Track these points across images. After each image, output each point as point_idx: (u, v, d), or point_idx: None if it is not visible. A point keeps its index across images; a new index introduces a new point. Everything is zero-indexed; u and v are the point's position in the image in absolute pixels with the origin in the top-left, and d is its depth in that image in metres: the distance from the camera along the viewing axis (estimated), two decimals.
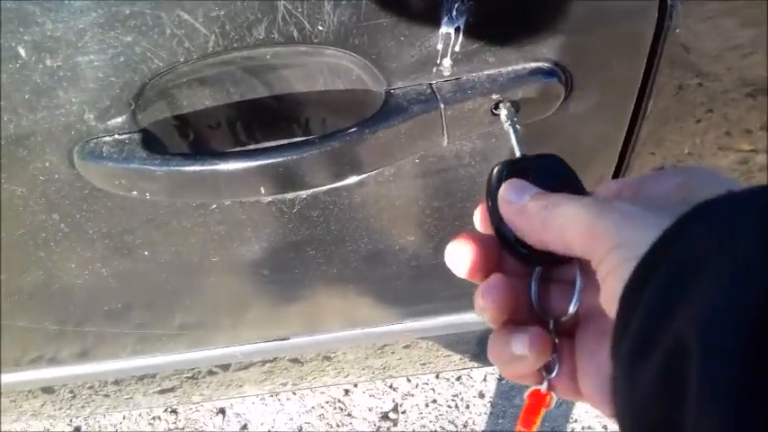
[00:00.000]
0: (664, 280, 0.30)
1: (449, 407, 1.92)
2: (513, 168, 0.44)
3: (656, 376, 0.29)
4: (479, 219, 0.45)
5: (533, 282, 0.43)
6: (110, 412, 1.99)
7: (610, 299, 0.34)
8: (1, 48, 0.50)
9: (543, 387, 0.43)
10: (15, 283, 0.75)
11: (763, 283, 0.26)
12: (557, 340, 0.42)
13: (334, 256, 0.77)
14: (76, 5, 0.49)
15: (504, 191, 0.42)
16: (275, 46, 0.53)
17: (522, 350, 0.40)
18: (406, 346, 1.34)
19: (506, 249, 0.43)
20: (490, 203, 0.43)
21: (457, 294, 0.92)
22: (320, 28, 0.52)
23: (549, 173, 0.44)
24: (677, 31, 0.56)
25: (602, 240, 0.35)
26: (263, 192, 0.59)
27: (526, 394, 0.44)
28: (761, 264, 0.27)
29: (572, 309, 0.41)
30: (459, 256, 0.44)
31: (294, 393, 1.95)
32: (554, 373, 0.42)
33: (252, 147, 0.62)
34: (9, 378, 1.06)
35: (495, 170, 0.45)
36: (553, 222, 0.38)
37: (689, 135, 0.68)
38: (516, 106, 0.57)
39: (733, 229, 0.29)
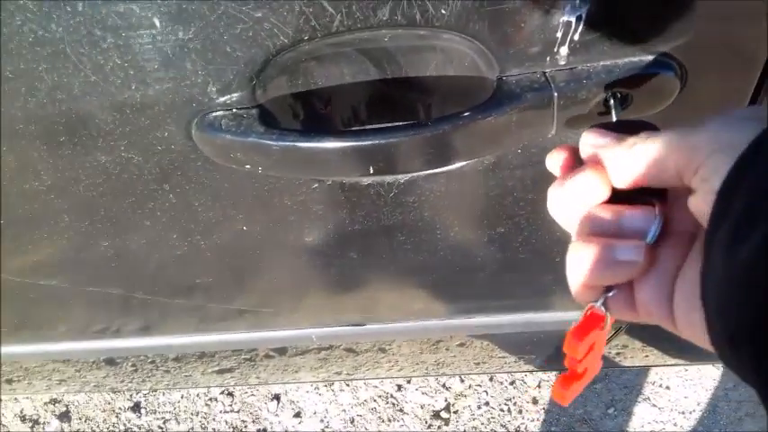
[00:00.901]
0: (763, 168, 0.31)
1: (501, 410, 1.91)
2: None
3: (756, 252, 0.30)
4: (559, 161, 0.48)
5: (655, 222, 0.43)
6: (169, 389, 2.04)
7: (706, 199, 0.35)
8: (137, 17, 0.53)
9: (598, 304, 0.44)
10: (115, 250, 0.79)
11: None
12: None
13: (423, 243, 0.78)
14: None
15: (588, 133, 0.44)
16: (397, 28, 0.55)
17: (629, 256, 0.41)
18: (461, 344, 1.34)
19: None
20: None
21: (534, 291, 0.92)
22: (443, 11, 0.53)
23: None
24: None
25: (699, 149, 0.36)
26: (371, 171, 0.60)
27: (584, 312, 0.46)
28: None
29: (650, 239, 0.42)
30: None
31: (347, 385, 1.97)
32: (612, 293, 0.44)
33: (364, 127, 0.63)
34: (75, 346, 1.10)
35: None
36: (646, 149, 0.40)
37: None
38: (630, 98, 0.57)
39: None
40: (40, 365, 1.40)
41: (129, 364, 1.44)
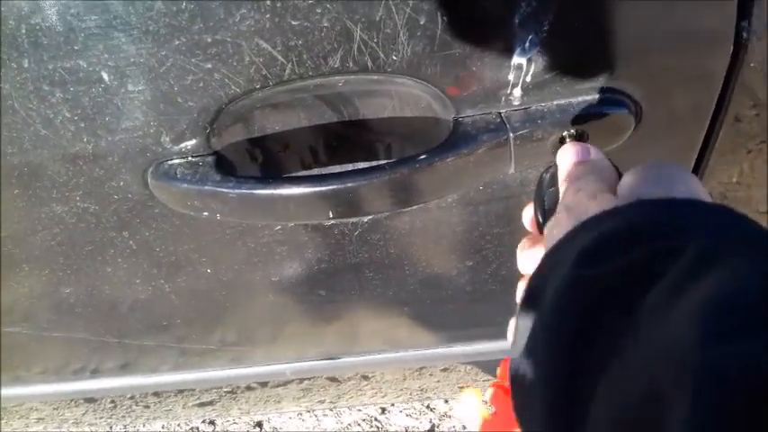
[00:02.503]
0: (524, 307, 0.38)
1: None
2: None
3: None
4: (528, 219, 0.52)
5: None
6: (149, 423, 2.01)
7: None
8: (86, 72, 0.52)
9: None
10: (78, 296, 0.77)
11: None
12: None
13: (392, 278, 0.77)
14: (161, 33, 0.51)
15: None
16: (349, 74, 0.54)
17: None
18: (445, 369, 1.34)
19: None
20: (538, 203, 0.49)
21: (507, 320, 0.92)
22: (394, 57, 0.53)
23: None
24: (752, 65, 0.55)
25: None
26: (331, 216, 0.59)
27: None
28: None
29: None
30: None
31: (331, 410, 1.95)
32: None
33: (322, 171, 0.63)
34: (53, 388, 1.08)
35: (548, 173, 0.51)
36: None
37: (737, 163, 0.68)
38: (585, 136, 0.57)
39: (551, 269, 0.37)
40: (17, 405, 1.38)
41: (108, 400, 1.42)
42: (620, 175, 0.46)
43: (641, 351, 0.26)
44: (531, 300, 0.36)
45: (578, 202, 0.42)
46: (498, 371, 0.53)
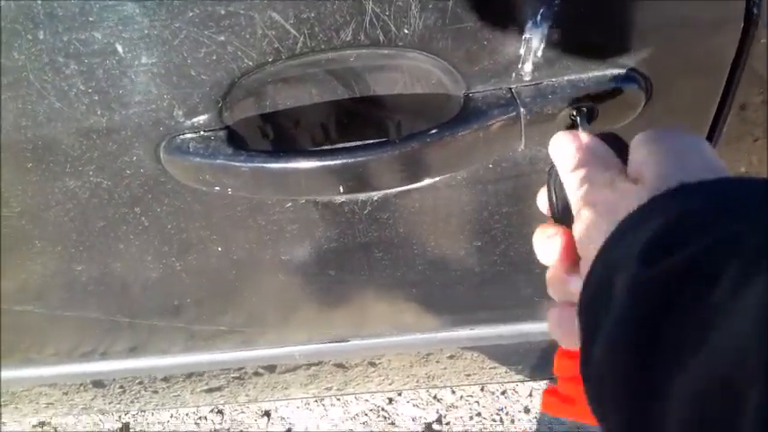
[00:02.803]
0: (586, 302, 0.38)
1: (493, 420, 1.91)
2: None
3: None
4: (543, 204, 0.51)
5: None
6: (158, 409, 2.03)
7: None
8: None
9: None
10: (90, 274, 0.78)
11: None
12: None
13: (401, 258, 0.78)
14: (175, 4, 0.51)
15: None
16: (360, 48, 0.55)
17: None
18: (451, 356, 1.34)
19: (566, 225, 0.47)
20: (553, 191, 0.48)
21: (516, 303, 0.92)
22: (405, 31, 0.54)
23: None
24: (762, 41, 0.55)
25: None
26: (341, 191, 0.60)
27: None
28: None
29: None
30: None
31: (338, 399, 1.96)
32: None
33: (333, 146, 0.63)
34: (62, 370, 1.09)
35: None
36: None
37: (745, 153, 0.67)
38: (595, 112, 0.57)
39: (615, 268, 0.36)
40: (26, 389, 1.39)
41: (117, 385, 1.43)
42: (622, 146, 0.46)
43: (711, 349, 0.27)
44: (594, 303, 0.36)
45: (598, 194, 0.41)
46: (555, 364, 0.53)
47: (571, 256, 0.45)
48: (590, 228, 0.40)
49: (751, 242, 0.29)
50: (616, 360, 0.32)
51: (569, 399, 0.54)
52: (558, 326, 0.46)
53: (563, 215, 0.47)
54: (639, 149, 0.42)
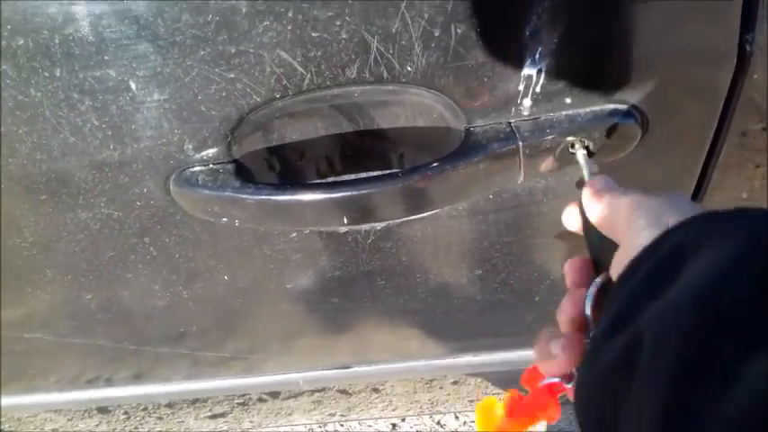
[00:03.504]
0: (642, 276, 0.34)
1: None
2: None
3: (614, 357, 0.33)
4: (569, 217, 0.50)
5: (588, 295, 0.45)
6: None
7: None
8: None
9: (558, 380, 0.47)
10: (99, 302, 0.79)
11: (708, 298, 0.29)
12: None
13: (403, 287, 0.79)
14: (187, 44, 0.53)
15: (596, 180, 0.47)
16: (365, 85, 0.57)
17: (556, 350, 0.44)
18: (455, 382, 1.34)
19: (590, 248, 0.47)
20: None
21: (517, 330, 0.93)
22: (408, 68, 0.56)
23: None
24: (755, 77, 0.57)
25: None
26: (345, 222, 0.61)
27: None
28: (709, 279, 0.30)
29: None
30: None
31: (342, 426, 1.96)
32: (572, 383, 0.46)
33: (338, 179, 0.65)
34: (66, 397, 1.10)
35: None
36: (611, 204, 0.44)
37: (747, 179, 0.69)
38: (593, 146, 0.59)
39: (701, 243, 0.33)
40: (32, 416, 1.40)
41: (122, 411, 1.43)
42: None
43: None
44: (673, 253, 0.34)
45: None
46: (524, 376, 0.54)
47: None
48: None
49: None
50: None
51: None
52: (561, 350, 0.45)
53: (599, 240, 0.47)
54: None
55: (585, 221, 0.47)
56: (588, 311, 0.44)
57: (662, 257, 0.34)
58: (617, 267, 0.39)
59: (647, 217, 0.39)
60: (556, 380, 0.47)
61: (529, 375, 0.53)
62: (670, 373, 0.28)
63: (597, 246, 0.46)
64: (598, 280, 0.44)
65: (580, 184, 0.51)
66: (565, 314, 0.45)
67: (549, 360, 0.44)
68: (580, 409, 0.36)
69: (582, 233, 0.48)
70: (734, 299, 0.28)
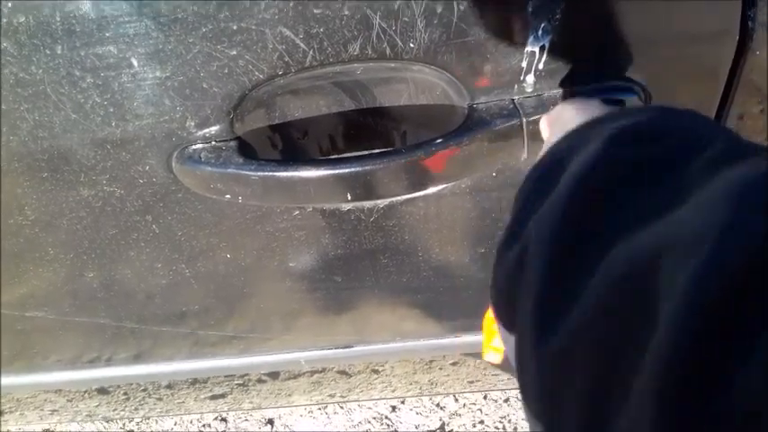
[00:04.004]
0: (529, 187, 0.38)
1: (496, 428, 1.91)
2: None
3: (510, 266, 0.36)
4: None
5: None
6: (162, 416, 2.04)
7: None
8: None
9: None
10: (101, 280, 0.80)
11: (564, 206, 0.32)
12: None
13: (406, 265, 0.79)
14: (189, 21, 0.53)
15: None
16: (368, 61, 0.57)
17: None
18: (454, 363, 1.35)
19: None
20: None
21: None
22: (411, 45, 0.55)
23: None
24: (757, 53, 0.57)
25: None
26: (349, 198, 0.61)
27: None
28: (565, 186, 0.33)
29: None
30: None
31: (341, 407, 1.97)
32: None
33: (341, 155, 0.65)
34: (67, 376, 1.10)
35: None
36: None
37: None
38: None
39: (577, 146, 0.36)
40: (31, 396, 1.40)
41: (121, 392, 1.44)
42: None
43: (661, 224, 0.27)
44: (542, 179, 0.37)
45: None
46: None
47: None
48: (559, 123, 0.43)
49: (719, 145, 0.30)
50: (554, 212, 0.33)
51: None
52: None
53: None
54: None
55: None
56: None
57: (543, 168, 0.38)
58: None
59: (559, 131, 0.42)
60: None
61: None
62: (541, 274, 0.32)
63: None
64: None
65: None
66: None
67: None
68: (494, 310, 0.40)
69: None
70: (584, 204, 0.32)
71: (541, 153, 0.42)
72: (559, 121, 0.45)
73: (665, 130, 0.33)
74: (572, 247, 0.31)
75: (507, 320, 0.37)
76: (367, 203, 0.69)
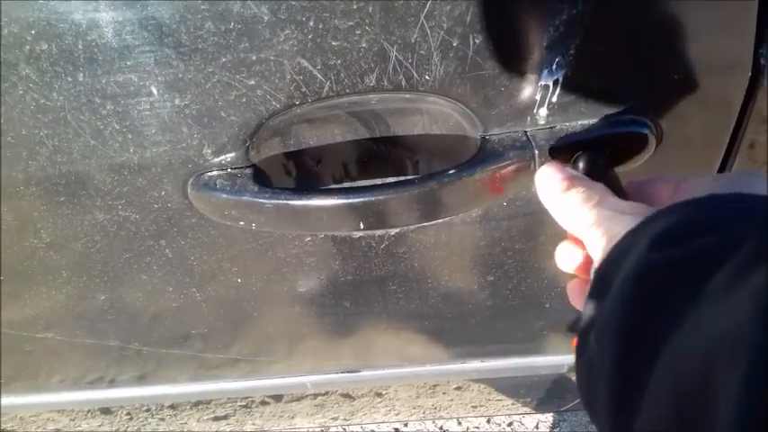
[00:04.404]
0: (594, 285, 0.40)
1: None
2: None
3: (586, 361, 0.38)
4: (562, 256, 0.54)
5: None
6: None
7: None
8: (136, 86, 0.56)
9: None
10: (112, 303, 0.80)
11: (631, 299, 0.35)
12: None
13: (415, 292, 0.79)
14: (209, 51, 0.54)
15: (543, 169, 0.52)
16: (383, 92, 0.57)
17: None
18: (458, 388, 1.35)
19: None
20: None
21: (526, 336, 0.93)
22: (427, 77, 0.56)
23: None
24: None
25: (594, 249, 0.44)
26: (362, 227, 0.62)
27: None
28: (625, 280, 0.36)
29: None
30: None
31: (344, 429, 1.96)
32: None
33: (354, 184, 0.66)
34: (70, 397, 1.10)
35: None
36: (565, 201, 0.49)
37: None
38: (608, 155, 0.59)
39: (627, 249, 0.38)
40: (34, 415, 1.40)
41: (125, 412, 1.43)
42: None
43: (701, 327, 0.29)
44: (601, 282, 0.39)
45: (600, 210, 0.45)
46: None
47: (589, 266, 0.49)
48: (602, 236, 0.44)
49: (752, 245, 0.31)
50: (607, 328, 0.35)
51: None
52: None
53: None
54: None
55: None
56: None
57: (602, 269, 0.40)
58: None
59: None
60: None
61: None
62: (611, 358, 0.34)
63: None
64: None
65: None
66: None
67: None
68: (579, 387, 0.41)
69: None
70: (634, 310, 0.34)
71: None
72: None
73: (702, 228, 0.35)
74: (628, 357, 0.33)
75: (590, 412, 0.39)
76: (378, 231, 0.70)
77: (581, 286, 0.51)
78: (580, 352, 0.40)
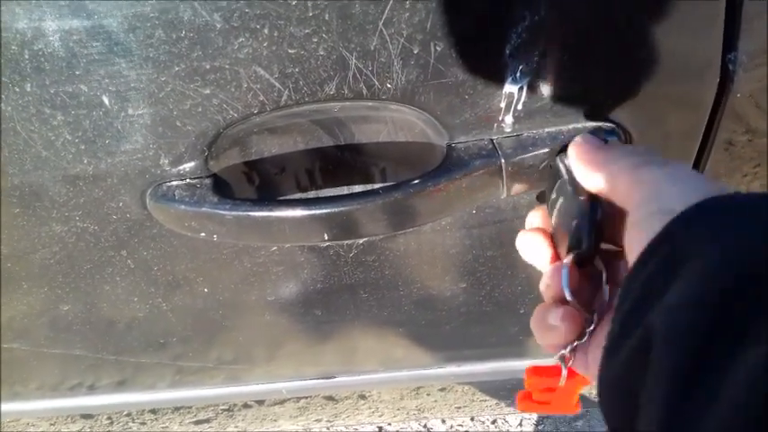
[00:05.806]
0: (653, 268, 0.35)
1: None
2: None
3: (629, 356, 0.33)
4: (536, 218, 0.54)
5: (563, 277, 0.46)
6: None
7: (630, 248, 0.39)
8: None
9: (555, 358, 0.48)
10: (76, 314, 0.78)
11: (720, 284, 0.30)
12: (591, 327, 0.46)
13: (387, 299, 0.78)
14: (161, 60, 0.52)
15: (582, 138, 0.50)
16: (344, 101, 0.56)
17: (555, 321, 0.46)
18: (442, 389, 1.34)
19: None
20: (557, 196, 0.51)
21: (502, 341, 0.92)
22: (388, 85, 0.55)
23: None
24: (738, 95, 0.57)
25: (638, 206, 0.40)
26: (326, 238, 0.60)
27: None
28: (723, 266, 0.31)
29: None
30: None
31: (328, 430, 1.95)
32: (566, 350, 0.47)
33: (318, 195, 0.64)
34: (48, 404, 1.09)
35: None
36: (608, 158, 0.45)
37: (735, 187, 0.68)
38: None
39: (716, 231, 0.33)
40: (13, 421, 1.38)
41: (105, 417, 1.42)
42: None
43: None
44: (673, 247, 0.34)
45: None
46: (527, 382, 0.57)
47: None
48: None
49: None
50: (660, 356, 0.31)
51: (544, 402, 0.58)
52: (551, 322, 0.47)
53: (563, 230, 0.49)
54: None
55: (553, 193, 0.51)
56: (567, 292, 0.46)
57: (661, 259, 0.35)
58: (629, 245, 0.40)
59: (650, 198, 0.39)
60: (565, 351, 0.47)
61: (527, 388, 0.55)
62: (670, 376, 0.30)
63: (561, 221, 0.50)
64: (566, 261, 0.47)
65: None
66: (551, 290, 0.47)
67: (550, 332, 0.46)
68: (603, 402, 0.37)
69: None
70: (724, 301, 0.30)
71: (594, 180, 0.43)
72: (644, 180, 0.42)
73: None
74: (708, 347, 0.29)
75: (620, 411, 0.35)
76: (346, 240, 0.68)
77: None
78: (625, 329, 0.35)
